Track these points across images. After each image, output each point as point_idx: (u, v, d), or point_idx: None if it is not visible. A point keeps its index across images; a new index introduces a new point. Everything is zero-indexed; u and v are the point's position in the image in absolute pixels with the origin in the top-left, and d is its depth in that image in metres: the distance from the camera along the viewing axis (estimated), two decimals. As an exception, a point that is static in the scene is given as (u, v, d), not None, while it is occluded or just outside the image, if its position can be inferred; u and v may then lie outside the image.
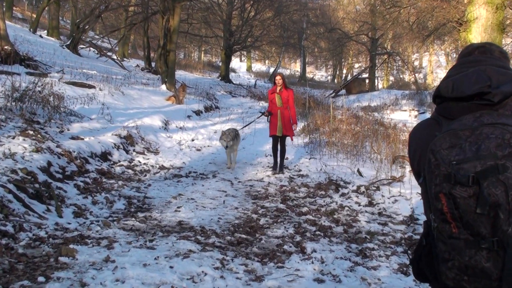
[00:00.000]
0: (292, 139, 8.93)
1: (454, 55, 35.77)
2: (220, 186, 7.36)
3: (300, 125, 12.99)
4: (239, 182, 7.97)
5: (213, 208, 6.02)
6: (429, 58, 41.03)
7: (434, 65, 42.66)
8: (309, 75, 45.31)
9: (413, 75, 28.40)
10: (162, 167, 8.39)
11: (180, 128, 11.55)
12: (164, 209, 5.79)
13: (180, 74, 24.06)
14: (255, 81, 28.30)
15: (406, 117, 18.71)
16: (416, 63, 44.20)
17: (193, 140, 10.89)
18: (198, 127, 12.18)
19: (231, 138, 8.37)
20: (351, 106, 19.65)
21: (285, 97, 8.14)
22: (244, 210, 6.08)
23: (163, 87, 15.84)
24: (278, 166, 8.44)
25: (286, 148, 8.56)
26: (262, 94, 21.29)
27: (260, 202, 6.55)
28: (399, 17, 16.31)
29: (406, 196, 6.69)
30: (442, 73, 42.81)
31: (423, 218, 5.84)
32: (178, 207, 5.88)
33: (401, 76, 35.13)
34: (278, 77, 8.17)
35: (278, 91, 8.21)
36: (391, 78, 37.41)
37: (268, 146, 11.68)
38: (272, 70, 40.76)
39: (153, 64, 22.80)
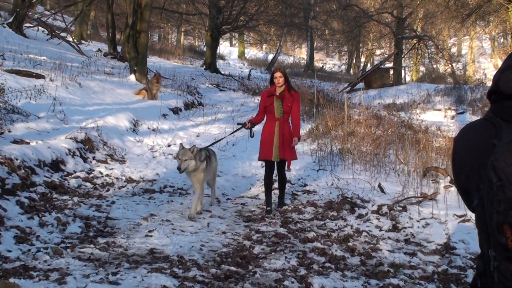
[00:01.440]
0: (289, 167, 7.48)
1: (502, 40, 36.12)
2: (203, 205, 7.34)
3: (306, 128, 13.04)
4: (228, 199, 7.99)
5: (194, 233, 6.02)
6: (470, 44, 41.42)
7: (476, 53, 43.07)
8: (318, 64, 45.55)
9: (450, 65, 28.68)
10: (129, 180, 8.38)
11: (153, 130, 11.54)
12: (131, 234, 5.79)
13: (153, 61, 24.07)
14: (249, 71, 28.37)
15: (440, 118, 18.86)
16: (454, 49, 44.59)
17: (169, 145, 10.87)
18: (176, 129, 12.18)
19: (189, 157, 6.75)
20: (371, 103, 19.80)
21: (288, 104, 7.06)
22: (234, 235, 6.07)
23: (132, 77, 15.83)
24: (277, 204, 7.46)
25: (286, 177, 7.63)
26: (258, 88, 21.34)
27: (255, 225, 6.55)
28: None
29: (440, 218, 6.72)
30: (485, 63, 43.18)
31: (461, 246, 5.89)
32: (150, 231, 5.88)
33: (434, 66, 35.42)
34: (278, 74, 7.08)
35: (278, 94, 7.12)
36: (422, 68, 37.71)
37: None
38: (271, 57, 40.92)
39: (119, 49, 22.79)
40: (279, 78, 7.06)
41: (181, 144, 7.09)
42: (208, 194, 7.83)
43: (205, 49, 31.72)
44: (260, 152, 7.24)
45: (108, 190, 7.66)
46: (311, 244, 5.89)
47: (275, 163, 7.20)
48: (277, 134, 7.06)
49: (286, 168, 7.40)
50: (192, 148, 6.79)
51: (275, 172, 7.38)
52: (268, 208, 7.18)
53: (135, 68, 16.06)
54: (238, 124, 7.54)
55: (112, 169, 8.68)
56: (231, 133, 8.41)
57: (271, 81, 7.22)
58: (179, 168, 6.63)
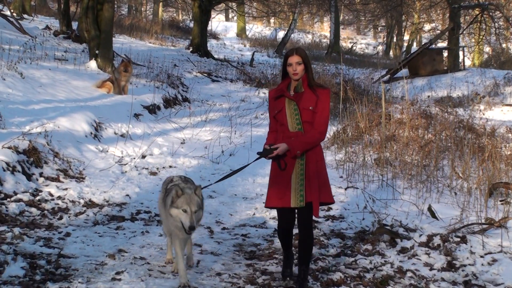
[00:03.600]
0: (317, 214, 5.85)
1: None
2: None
3: (329, 131, 13.02)
4: (224, 229, 7.99)
5: (178, 275, 5.93)
6: None
7: None
8: (345, 44, 45.59)
9: (525, 44, 28.70)
10: (90, 204, 8.39)
11: (122, 135, 11.60)
12: (93, 277, 5.74)
13: (121, 42, 24.15)
14: (252, 55, 28.43)
15: (512, 116, 18.81)
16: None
17: (144, 156, 10.92)
18: (152, 134, 12.27)
19: (199, 205, 5.71)
20: (418, 97, 19.78)
21: (309, 107, 5.81)
22: (233, 278, 6.06)
23: (92, 64, 15.91)
24: (298, 275, 5.94)
25: (313, 232, 6.14)
26: (264, 77, 21.37)
27: (260, 264, 6.56)
28: None
29: (511, 253, 6.72)
30: None
31: None
32: (118, 273, 5.85)
33: (504, 46, 35.29)
34: (294, 59, 5.81)
35: (292, 91, 5.95)
36: (487, 49, 37.77)
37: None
38: (281, 35, 40.94)
39: (74, 26, 22.88)
40: (296, 65, 5.77)
41: (175, 178, 6.24)
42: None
43: (191, 25, 31.84)
44: (269, 194, 5.97)
45: (60, 218, 7.62)
46: (337, 288, 5.87)
47: (294, 211, 5.98)
48: (298, 161, 5.80)
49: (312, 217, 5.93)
50: (196, 190, 5.77)
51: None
52: (285, 282, 6.08)
53: (97, 52, 16.14)
54: (258, 154, 5.96)
55: (66, 189, 8.66)
56: (243, 167, 6.64)
57: (283, 71, 6.02)
58: (192, 228, 5.57)
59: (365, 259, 6.76)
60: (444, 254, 6.79)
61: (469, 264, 6.53)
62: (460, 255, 6.73)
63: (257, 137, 12.86)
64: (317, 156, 5.88)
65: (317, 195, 5.73)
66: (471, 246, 6.90)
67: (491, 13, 28.24)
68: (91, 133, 11.02)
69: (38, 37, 19.23)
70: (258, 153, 5.93)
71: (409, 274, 6.34)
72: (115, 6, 22.52)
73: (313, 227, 6.25)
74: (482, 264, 6.52)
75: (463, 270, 6.43)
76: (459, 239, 7.06)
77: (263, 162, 8.78)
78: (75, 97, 12.76)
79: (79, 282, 5.53)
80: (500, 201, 8.73)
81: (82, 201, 8.43)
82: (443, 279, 6.26)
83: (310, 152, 5.81)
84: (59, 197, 8.35)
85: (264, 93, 19.11)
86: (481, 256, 6.69)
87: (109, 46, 16.47)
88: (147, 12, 48.51)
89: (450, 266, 6.54)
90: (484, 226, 7.49)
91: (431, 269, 6.48)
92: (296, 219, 5.98)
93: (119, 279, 5.70)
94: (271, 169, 6.00)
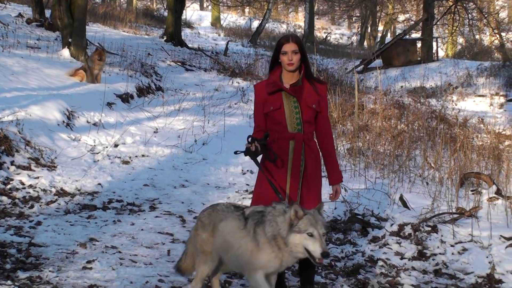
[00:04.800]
0: None
1: None
2: (163, 226, 7.33)
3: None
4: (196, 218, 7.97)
5: (149, 264, 6.01)
6: None
7: None
8: (320, 34, 45.72)
9: (498, 35, 28.90)
10: (61, 193, 8.34)
11: (95, 124, 11.54)
12: (64, 265, 5.72)
13: (95, 30, 23.96)
14: (227, 44, 28.43)
15: (484, 107, 19.03)
16: (503, 14, 44.88)
17: (116, 145, 10.88)
18: (125, 123, 12.23)
19: (326, 228, 4.71)
20: (392, 87, 19.90)
21: (312, 106, 5.16)
22: None
23: (65, 53, 15.78)
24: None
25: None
26: (238, 66, 21.36)
27: (232, 253, 6.57)
28: None
29: (481, 242, 6.80)
30: None
31: (510, 279, 5.96)
32: (89, 262, 5.84)
33: (477, 37, 35.68)
34: (290, 47, 5.07)
35: (288, 84, 5.20)
36: (460, 40, 38.11)
37: (248, 158, 11.59)
38: (256, 25, 40.98)
39: (47, 14, 22.66)
40: (292, 54, 5.06)
41: (297, 206, 4.55)
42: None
43: (166, 14, 31.70)
44: (257, 200, 5.27)
45: (32, 207, 7.58)
46: (308, 277, 5.94)
47: None
48: (292, 167, 5.15)
49: None
50: (320, 209, 4.78)
51: None
52: None
53: (70, 40, 16.01)
54: (238, 153, 5.30)
55: (37, 177, 8.60)
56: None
57: (272, 62, 5.30)
58: (327, 255, 4.66)
59: (337, 248, 6.83)
60: (415, 243, 6.87)
61: (440, 253, 6.63)
62: (430, 244, 6.83)
63: (230, 126, 12.89)
64: (315, 159, 5.24)
65: (310, 203, 4.99)
66: (442, 236, 6.99)
67: (464, 4, 28.46)
68: (63, 121, 10.93)
69: (11, 24, 19.07)
70: (235, 152, 5.31)
71: (380, 263, 6.40)
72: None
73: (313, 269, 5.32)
74: (453, 253, 6.62)
75: (433, 259, 6.53)
76: (430, 229, 7.15)
77: (235, 149, 8.61)
78: (48, 86, 12.65)
79: (49, 271, 5.51)
80: (471, 191, 8.85)
81: (53, 189, 8.37)
82: (413, 268, 6.33)
83: (309, 155, 5.17)
84: (30, 186, 8.28)
85: (238, 82, 19.17)
86: (452, 245, 6.78)
87: (82, 34, 16.34)
88: (121, 0, 48.19)
89: (421, 255, 6.63)
90: (455, 215, 7.60)
91: (402, 258, 6.54)
92: None
93: (90, 268, 5.68)
94: (257, 178, 5.32)
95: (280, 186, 5.08)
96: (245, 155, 5.11)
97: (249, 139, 5.06)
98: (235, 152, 5.25)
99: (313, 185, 5.16)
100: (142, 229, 7.11)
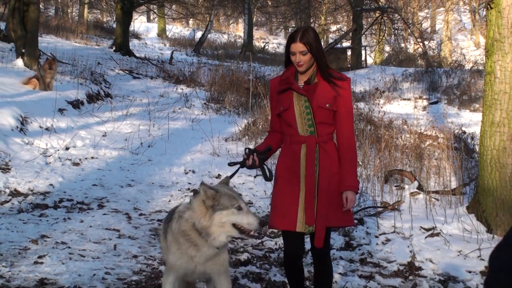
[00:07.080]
0: (320, 243, 4.45)
1: (484, 13, 37.85)
2: (110, 222, 7.52)
3: (241, 124, 13.51)
4: (142, 215, 8.16)
5: (97, 258, 6.17)
6: (446, 18, 42.67)
7: (453, 29, 44.19)
8: (258, 44, 46.14)
9: (421, 44, 29.82)
10: (15, 193, 8.45)
11: (47, 129, 11.68)
12: (16, 260, 5.85)
13: (48, 41, 24.03)
14: (172, 53, 28.63)
15: (409, 109, 19.73)
16: (426, 25, 46.02)
17: (67, 148, 11.06)
18: (76, 128, 12.34)
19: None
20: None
21: (326, 105, 4.46)
22: (148, 260, 6.27)
23: (19, 62, 15.85)
24: None
25: (331, 260, 4.82)
26: (182, 74, 21.69)
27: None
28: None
29: (403, 233, 7.29)
30: (465, 41, 44.40)
31: (428, 266, 6.43)
32: (40, 257, 5.96)
33: (402, 46, 36.75)
34: (298, 47, 4.42)
35: (302, 82, 4.58)
36: (387, 48, 39.17)
37: (191, 157, 11.57)
38: (199, 35, 41.22)
39: (2, 26, 22.64)
40: (299, 55, 4.42)
41: (205, 185, 4.12)
42: None
43: (115, 26, 31.82)
44: (273, 213, 4.61)
45: (-15, 206, 7.74)
46: (244, 268, 6.14)
47: (304, 236, 4.66)
48: (305, 175, 4.46)
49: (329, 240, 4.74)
50: (228, 182, 4.51)
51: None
52: None
53: (23, 51, 16.07)
54: (232, 165, 4.69)
55: (-9, 179, 8.68)
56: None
57: (286, 60, 4.63)
58: (264, 224, 4.39)
59: (271, 240, 7.14)
60: (342, 234, 7.23)
61: (365, 244, 7.00)
62: (357, 235, 7.21)
63: (174, 129, 13.23)
64: (331, 164, 4.48)
65: (334, 217, 4.43)
66: (367, 228, 7.43)
67: (390, 16, 29.26)
68: (17, 127, 11.04)
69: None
70: (229, 164, 4.70)
71: (310, 253, 6.64)
72: (42, 7, 22.29)
73: (330, 259, 4.75)
74: (377, 244, 7.01)
75: (359, 249, 6.86)
76: (356, 221, 7.47)
77: (179, 151, 8.73)
78: (2, 93, 12.69)
79: (2, 266, 5.63)
80: (395, 186, 9.32)
81: (7, 190, 8.44)
82: (341, 258, 6.63)
83: (323, 158, 4.46)
84: (-17, 187, 8.35)
85: (182, 89, 19.49)
86: (376, 236, 7.20)
87: (35, 45, 16.43)
88: (73, 13, 47.81)
89: (348, 246, 6.96)
90: (380, 209, 8.05)
91: (330, 249, 6.70)
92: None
93: (41, 263, 5.82)
94: (274, 186, 4.69)
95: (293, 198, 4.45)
96: (241, 167, 4.59)
97: (247, 151, 4.57)
98: (229, 164, 4.67)
99: (332, 194, 4.43)
100: (90, 226, 7.28)
